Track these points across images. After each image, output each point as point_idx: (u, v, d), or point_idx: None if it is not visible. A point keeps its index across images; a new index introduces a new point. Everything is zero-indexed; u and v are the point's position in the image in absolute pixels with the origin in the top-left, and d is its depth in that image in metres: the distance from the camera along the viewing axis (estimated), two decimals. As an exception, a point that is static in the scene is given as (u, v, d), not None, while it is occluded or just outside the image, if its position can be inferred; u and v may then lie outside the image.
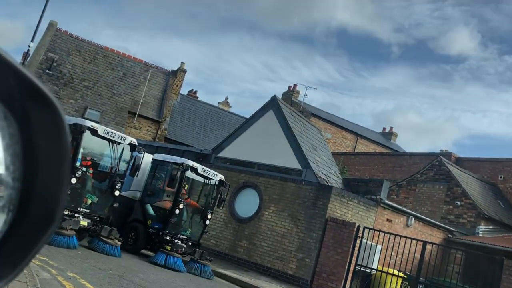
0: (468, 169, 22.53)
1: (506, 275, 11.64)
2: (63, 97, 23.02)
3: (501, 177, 22.31)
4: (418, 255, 12.59)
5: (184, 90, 31.27)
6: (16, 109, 0.64)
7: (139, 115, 24.51)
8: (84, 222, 10.03)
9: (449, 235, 17.32)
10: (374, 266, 12.87)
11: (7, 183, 0.64)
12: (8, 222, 0.65)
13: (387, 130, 39.44)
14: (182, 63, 28.14)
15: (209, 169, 12.50)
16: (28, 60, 22.48)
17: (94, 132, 10.18)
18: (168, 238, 11.14)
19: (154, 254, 11.19)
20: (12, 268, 0.64)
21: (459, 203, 19.27)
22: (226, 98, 41.82)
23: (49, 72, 23.30)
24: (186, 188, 12.49)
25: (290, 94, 34.00)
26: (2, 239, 0.64)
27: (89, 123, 10.24)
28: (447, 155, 24.39)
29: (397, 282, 12.78)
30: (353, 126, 35.80)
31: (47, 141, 0.65)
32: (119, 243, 10.26)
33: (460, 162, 23.90)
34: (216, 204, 12.48)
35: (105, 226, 10.26)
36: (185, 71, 28.07)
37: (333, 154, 21.38)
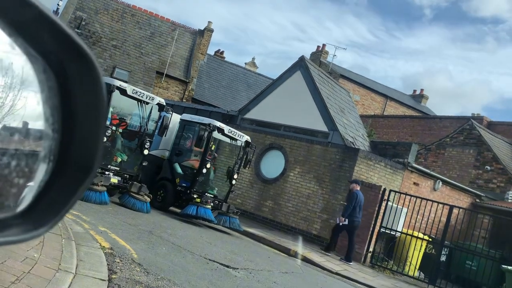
0: (500, 133, 21.94)
1: (534, 241, 11.50)
2: (92, 57, 23.21)
3: (534, 142, 21.67)
4: (444, 219, 12.53)
5: (211, 50, 31.12)
6: (54, 62, 0.65)
7: (167, 75, 24.61)
8: (114, 180, 10.31)
9: (477, 200, 17.11)
10: (399, 229, 12.90)
11: (47, 134, 0.67)
12: (49, 172, 0.68)
13: (418, 92, 38.53)
14: (209, 22, 27.85)
15: (235, 130, 12.57)
16: (57, 19, 22.65)
17: (123, 91, 10.29)
18: (195, 196, 11.40)
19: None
20: (54, 214, 0.67)
21: (489, 168, 18.90)
22: (253, 59, 41.51)
23: (78, 31, 23.46)
24: (213, 148, 12.64)
25: (319, 54, 33.36)
26: (44, 187, 0.68)
27: (118, 83, 10.34)
28: (479, 118, 23.76)
29: (421, 245, 12.81)
30: (383, 88, 35.10)
31: (84, 94, 0.66)
32: (149, 199, 10.55)
33: (492, 126, 23.27)
34: (242, 164, 12.61)
35: (135, 182, 10.53)
36: (212, 31, 27.81)
37: (361, 116, 21.12)
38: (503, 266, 9.57)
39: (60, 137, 0.67)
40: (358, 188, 11.99)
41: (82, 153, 0.67)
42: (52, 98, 0.67)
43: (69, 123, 0.67)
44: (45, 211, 0.67)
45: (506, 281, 8.93)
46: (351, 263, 11.57)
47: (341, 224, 11.63)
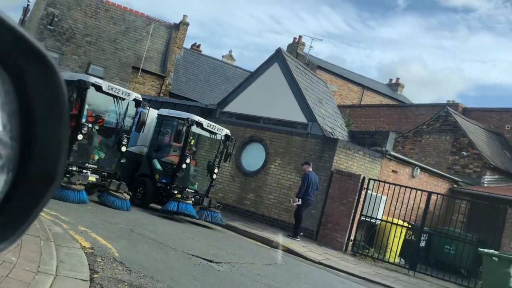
0: (475, 119, 22.39)
1: (510, 223, 11.80)
2: (66, 53, 22.79)
3: (508, 127, 22.19)
4: (423, 206, 12.75)
5: (187, 44, 30.86)
6: (9, 65, 0.61)
7: (143, 70, 24.31)
8: (92, 178, 10.16)
9: (455, 185, 17.46)
10: (379, 217, 13.08)
11: (5, 142, 0.63)
12: (9, 182, 0.64)
13: (394, 81, 38.97)
14: (185, 16, 27.62)
15: (214, 124, 12.51)
16: (28, 15, 22.10)
17: (98, 88, 10.13)
18: (175, 192, 11.33)
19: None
20: (16, 228, 0.64)
21: (465, 153, 19.28)
22: (230, 52, 41.33)
23: (50, 27, 22.96)
24: (192, 142, 12.56)
25: (296, 46, 33.40)
26: (3, 199, 0.64)
27: (93, 79, 10.17)
28: (454, 105, 24.17)
29: (401, 232, 13.02)
30: (359, 78, 35.39)
31: (42, 98, 0.63)
32: (128, 196, 10.44)
33: (467, 112, 23.72)
34: (223, 158, 12.57)
35: (114, 180, 10.40)
36: (187, 24, 27.57)
37: (339, 106, 21.25)
38: (480, 249, 9.80)
39: (19, 145, 0.63)
40: (310, 169, 12.58)
41: (44, 162, 0.63)
42: (9, 103, 0.63)
43: (28, 129, 0.63)
44: (5, 226, 0.63)
45: (482, 263, 9.15)
46: (298, 239, 12.06)
47: (295, 204, 12.25)
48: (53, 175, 0.64)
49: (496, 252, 9.37)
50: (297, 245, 11.51)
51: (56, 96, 0.62)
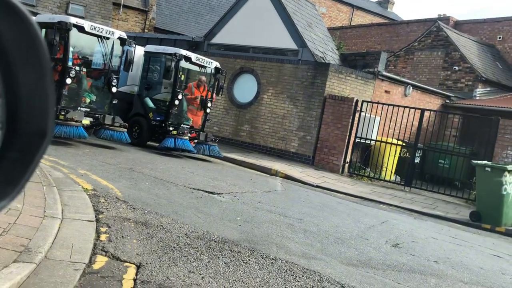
0: (466, 32, 22.02)
1: (501, 134, 11.99)
2: (42, -6, 21.79)
3: (500, 38, 21.89)
4: (416, 123, 12.90)
5: (167, -26, 29.51)
6: None
7: (124, 6, 23.44)
8: (86, 121, 10.13)
9: (447, 101, 17.55)
10: (374, 137, 13.27)
11: None
12: (1, 141, 0.64)
13: (384, -2, 37.83)
14: None
15: (203, 57, 12.29)
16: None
17: (80, 29, 9.81)
18: (171, 128, 11.36)
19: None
20: (14, 185, 0.64)
21: (457, 68, 19.19)
22: (213, -21, 39.62)
23: (21, -33, 21.77)
24: (182, 78, 12.39)
25: (280, -32, 32.02)
26: None
27: (74, 20, 9.83)
28: (445, 19, 23.66)
29: (396, 150, 13.27)
30: (348, -3, 34.28)
31: (22, 53, 0.61)
32: (125, 129, 10.47)
33: (458, 25, 23.28)
34: (215, 92, 12.48)
35: (107, 115, 10.35)
36: (166, -47, 26.19)
37: (329, 29, 20.78)
38: (473, 161, 10.05)
39: (5, 102, 0.62)
40: None
41: (33, 118, 0.63)
42: None
43: (12, 85, 0.62)
44: (2, 183, 0.64)
45: (476, 175, 9.43)
46: None
47: None
48: (44, 129, 0.63)
49: (489, 163, 9.61)
50: (295, 171, 11.76)
51: (36, 49, 0.60)
